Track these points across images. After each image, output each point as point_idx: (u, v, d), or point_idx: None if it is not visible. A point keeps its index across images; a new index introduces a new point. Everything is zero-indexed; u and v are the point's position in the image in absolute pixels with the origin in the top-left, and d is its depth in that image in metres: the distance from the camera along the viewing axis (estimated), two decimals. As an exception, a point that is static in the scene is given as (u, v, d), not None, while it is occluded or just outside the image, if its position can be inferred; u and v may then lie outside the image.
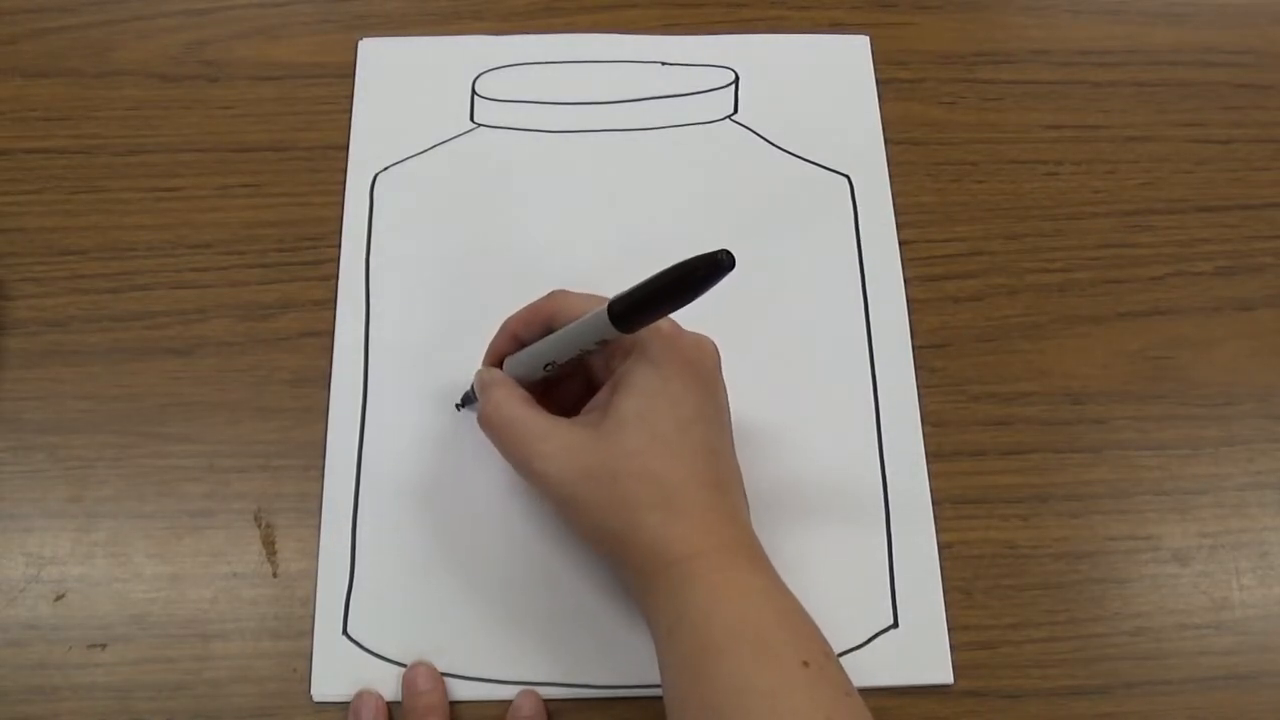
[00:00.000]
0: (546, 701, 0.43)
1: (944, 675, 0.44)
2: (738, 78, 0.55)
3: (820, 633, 0.38)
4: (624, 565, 0.40)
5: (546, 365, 0.42)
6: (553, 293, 0.43)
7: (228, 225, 0.51)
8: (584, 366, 0.44)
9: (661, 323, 0.40)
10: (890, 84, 0.56)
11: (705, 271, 0.35)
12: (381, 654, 0.44)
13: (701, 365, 0.41)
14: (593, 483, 0.39)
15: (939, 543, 0.46)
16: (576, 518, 0.41)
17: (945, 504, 0.47)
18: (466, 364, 0.48)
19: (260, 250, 0.51)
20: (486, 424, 0.43)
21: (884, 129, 0.54)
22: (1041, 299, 0.51)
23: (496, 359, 0.45)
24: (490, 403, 0.42)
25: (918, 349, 0.50)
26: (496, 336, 0.45)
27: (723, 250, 0.35)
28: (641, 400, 0.40)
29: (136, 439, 0.47)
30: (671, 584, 0.38)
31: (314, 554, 0.45)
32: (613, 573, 0.44)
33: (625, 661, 0.44)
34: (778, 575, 0.39)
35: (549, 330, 0.42)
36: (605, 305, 0.38)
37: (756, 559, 0.39)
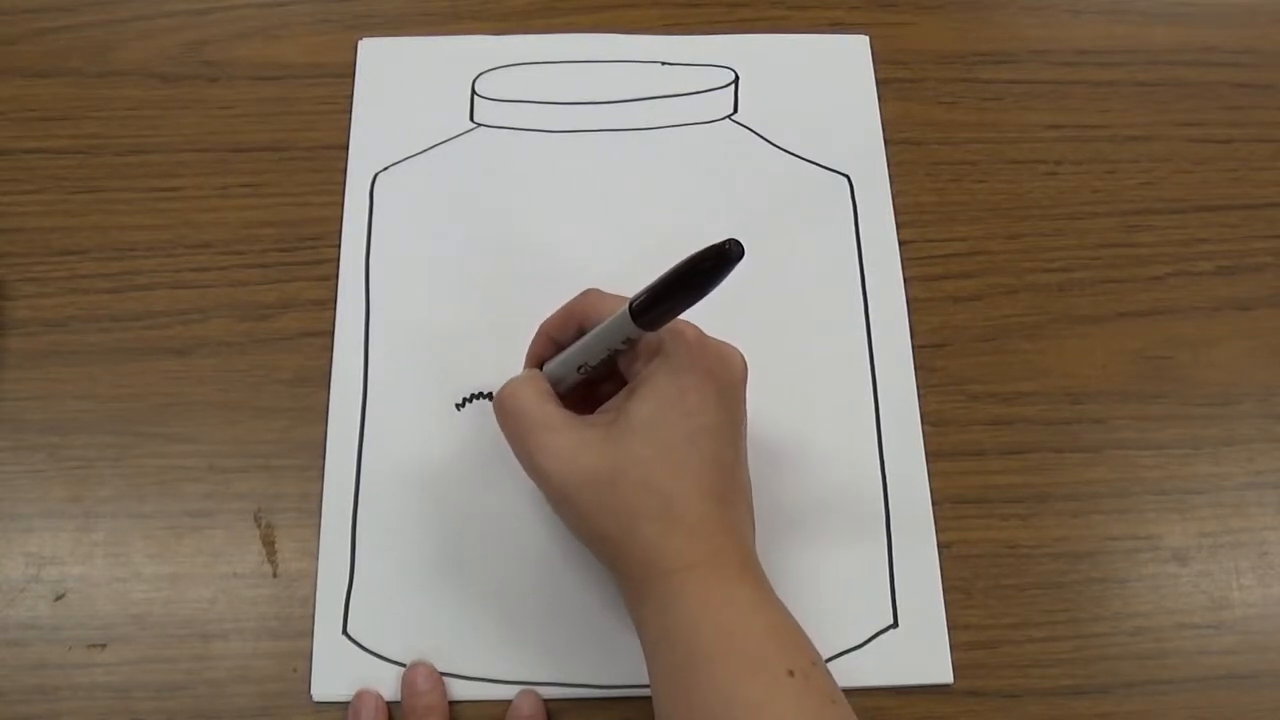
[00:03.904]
0: (546, 701, 0.43)
1: (944, 675, 0.44)
2: (738, 78, 0.55)
3: (809, 641, 0.38)
4: (616, 571, 0.40)
5: (580, 367, 0.42)
6: (585, 292, 0.43)
7: (228, 225, 0.51)
8: (619, 368, 0.43)
9: (686, 329, 0.40)
10: (890, 84, 0.56)
11: (712, 263, 0.35)
12: (381, 654, 0.44)
13: (723, 377, 0.40)
14: (592, 487, 0.39)
15: (939, 542, 0.46)
16: (573, 518, 0.41)
17: (945, 504, 0.47)
18: (466, 364, 0.49)
19: (260, 250, 0.51)
20: (498, 408, 0.42)
21: (884, 129, 0.54)
22: (1041, 299, 0.51)
23: (536, 363, 0.44)
24: (506, 389, 0.42)
25: (918, 349, 0.50)
26: (534, 340, 0.44)
27: (730, 240, 0.35)
28: (654, 408, 0.39)
29: (136, 439, 0.47)
30: (661, 595, 0.38)
31: (314, 554, 0.45)
32: (608, 574, 0.44)
33: (625, 661, 0.44)
34: (769, 586, 0.39)
35: (583, 331, 0.42)
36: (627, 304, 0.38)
37: (747, 571, 0.39)
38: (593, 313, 0.42)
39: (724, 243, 0.35)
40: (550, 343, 0.44)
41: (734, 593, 0.38)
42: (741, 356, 0.41)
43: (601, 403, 0.43)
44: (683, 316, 0.39)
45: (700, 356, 0.40)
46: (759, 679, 0.36)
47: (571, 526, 0.42)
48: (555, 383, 0.42)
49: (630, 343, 0.40)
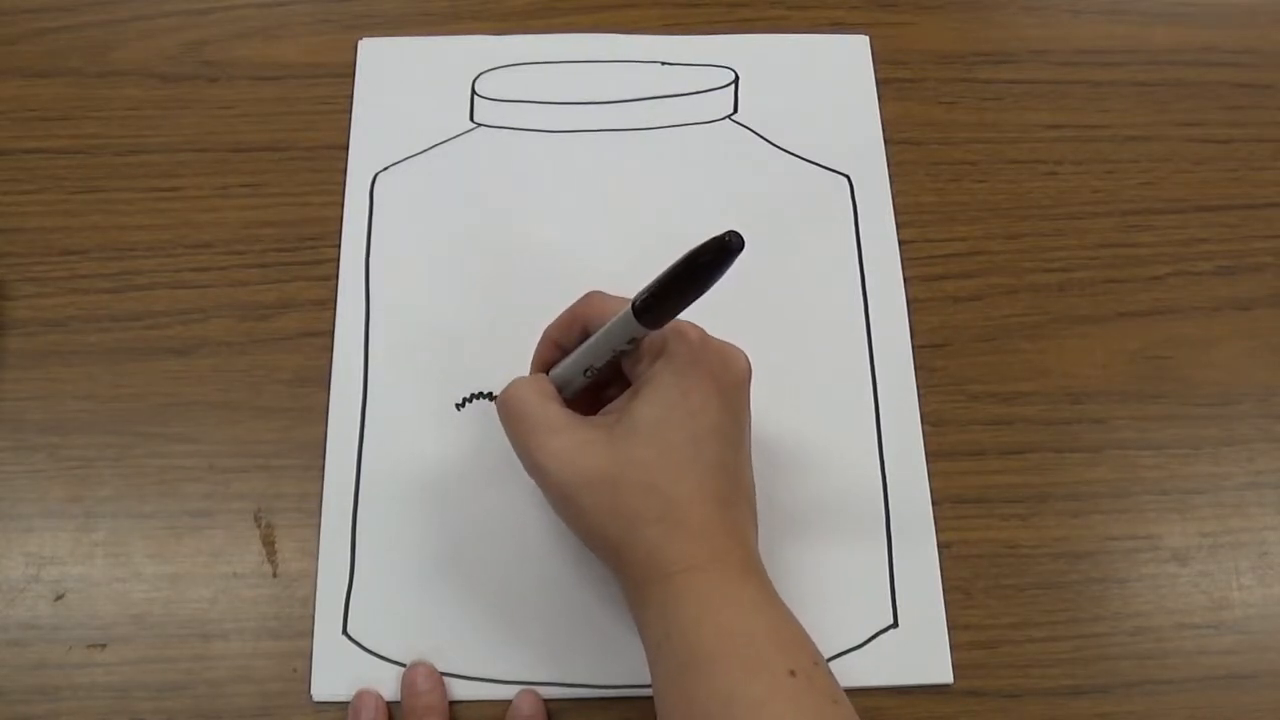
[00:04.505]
0: (546, 701, 0.43)
1: (944, 675, 0.44)
2: (738, 78, 0.55)
3: (810, 641, 0.38)
4: (618, 572, 0.40)
5: (586, 370, 0.41)
6: (587, 295, 0.43)
7: (228, 225, 0.51)
8: (623, 371, 0.43)
9: (689, 330, 0.40)
10: (890, 84, 0.56)
11: (712, 255, 0.35)
12: (381, 654, 0.44)
13: (725, 378, 0.40)
14: (593, 488, 0.39)
15: (939, 542, 0.46)
16: (575, 519, 0.40)
17: (945, 504, 0.47)
18: (466, 364, 0.49)
19: (260, 250, 0.51)
20: (501, 409, 0.42)
21: (884, 129, 0.54)
22: (1041, 299, 0.51)
23: (542, 368, 0.44)
24: (509, 389, 0.42)
25: (918, 349, 0.50)
26: (539, 345, 0.44)
27: (729, 232, 0.35)
28: (658, 410, 0.39)
29: (136, 439, 0.47)
30: (663, 597, 0.38)
31: (314, 554, 0.45)
32: (608, 575, 0.44)
33: (625, 661, 0.44)
34: (771, 587, 0.39)
35: (587, 334, 0.42)
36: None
37: (749, 571, 0.39)
38: (596, 315, 0.41)
39: (723, 235, 0.35)
40: (555, 347, 0.43)
41: (735, 594, 0.38)
42: (745, 357, 0.41)
43: (604, 406, 0.43)
44: (685, 317, 0.39)
45: (703, 357, 0.40)
46: (760, 679, 0.36)
47: (573, 528, 0.41)
48: (562, 387, 0.42)
49: (634, 342, 0.40)
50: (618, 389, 0.43)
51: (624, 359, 0.41)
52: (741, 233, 0.35)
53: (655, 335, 0.40)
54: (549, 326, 0.44)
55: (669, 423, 0.39)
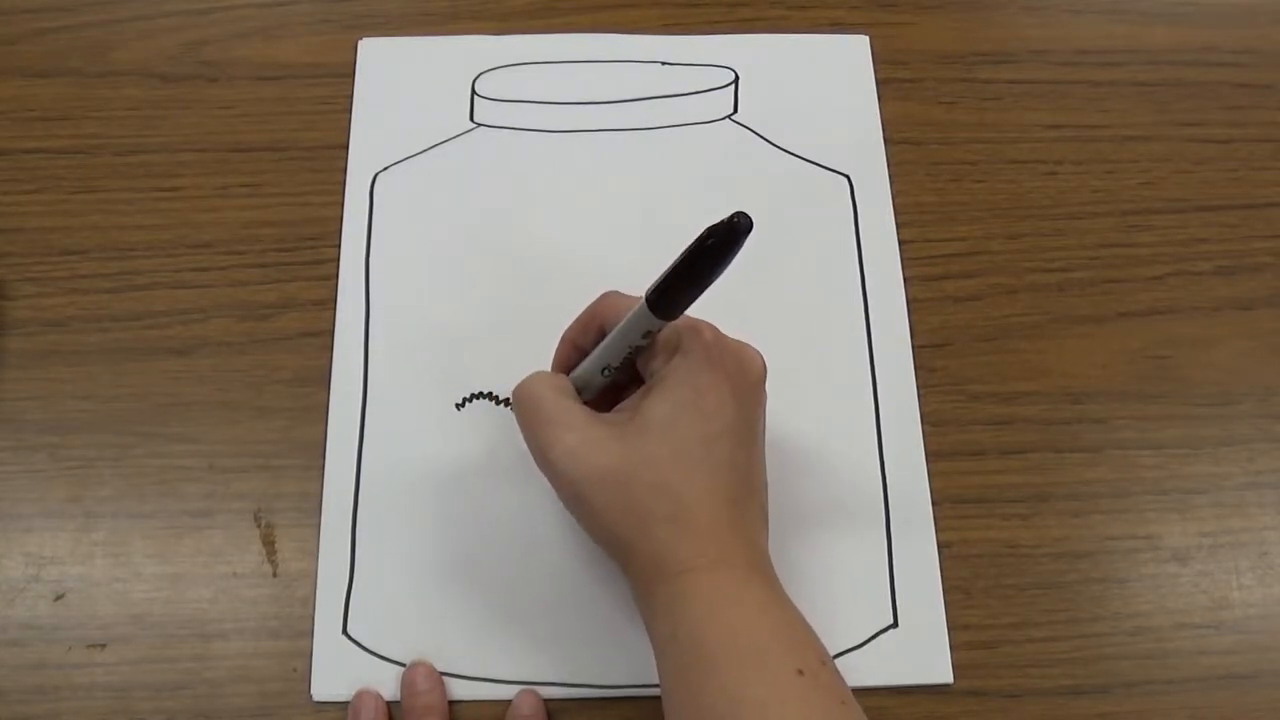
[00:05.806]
0: (546, 701, 0.43)
1: (944, 675, 0.44)
2: (738, 78, 0.55)
3: (818, 641, 0.38)
4: (627, 571, 0.40)
5: (604, 369, 0.41)
6: (603, 295, 0.43)
7: (228, 225, 0.51)
8: (639, 369, 0.43)
9: (704, 329, 0.40)
10: (890, 84, 0.56)
11: (720, 238, 0.35)
12: (381, 654, 0.44)
13: (741, 379, 0.40)
14: (605, 486, 0.39)
15: (939, 542, 0.46)
16: (585, 516, 0.40)
17: (945, 504, 0.47)
18: (466, 364, 0.49)
19: (260, 250, 0.51)
20: (515, 402, 0.42)
21: (884, 129, 0.54)
22: (1041, 299, 0.51)
23: (562, 370, 0.44)
24: (524, 383, 0.42)
25: (918, 349, 0.50)
26: (558, 348, 0.44)
27: (738, 213, 0.35)
28: (671, 408, 0.39)
29: (136, 439, 0.47)
30: (671, 596, 0.38)
31: (314, 554, 0.45)
32: (615, 572, 0.44)
33: (625, 661, 0.44)
34: (779, 587, 0.39)
35: (604, 334, 0.42)
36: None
37: (757, 572, 0.39)
38: (612, 314, 0.41)
39: (732, 216, 0.35)
40: (574, 349, 0.43)
41: (742, 593, 0.38)
42: (761, 357, 0.41)
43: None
44: (696, 315, 0.38)
45: (718, 356, 0.40)
46: (766, 679, 0.36)
47: (584, 525, 0.41)
48: (582, 389, 0.42)
49: (649, 337, 0.40)
50: (633, 390, 0.43)
51: (639, 357, 0.41)
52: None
53: (670, 332, 0.40)
54: (567, 329, 0.44)
55: (682, 422, 0.39)
